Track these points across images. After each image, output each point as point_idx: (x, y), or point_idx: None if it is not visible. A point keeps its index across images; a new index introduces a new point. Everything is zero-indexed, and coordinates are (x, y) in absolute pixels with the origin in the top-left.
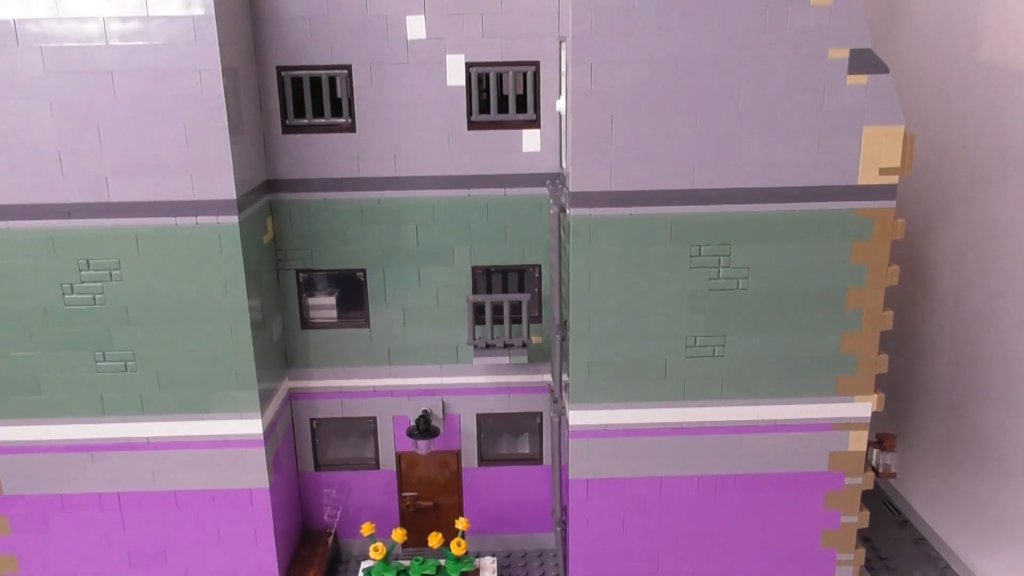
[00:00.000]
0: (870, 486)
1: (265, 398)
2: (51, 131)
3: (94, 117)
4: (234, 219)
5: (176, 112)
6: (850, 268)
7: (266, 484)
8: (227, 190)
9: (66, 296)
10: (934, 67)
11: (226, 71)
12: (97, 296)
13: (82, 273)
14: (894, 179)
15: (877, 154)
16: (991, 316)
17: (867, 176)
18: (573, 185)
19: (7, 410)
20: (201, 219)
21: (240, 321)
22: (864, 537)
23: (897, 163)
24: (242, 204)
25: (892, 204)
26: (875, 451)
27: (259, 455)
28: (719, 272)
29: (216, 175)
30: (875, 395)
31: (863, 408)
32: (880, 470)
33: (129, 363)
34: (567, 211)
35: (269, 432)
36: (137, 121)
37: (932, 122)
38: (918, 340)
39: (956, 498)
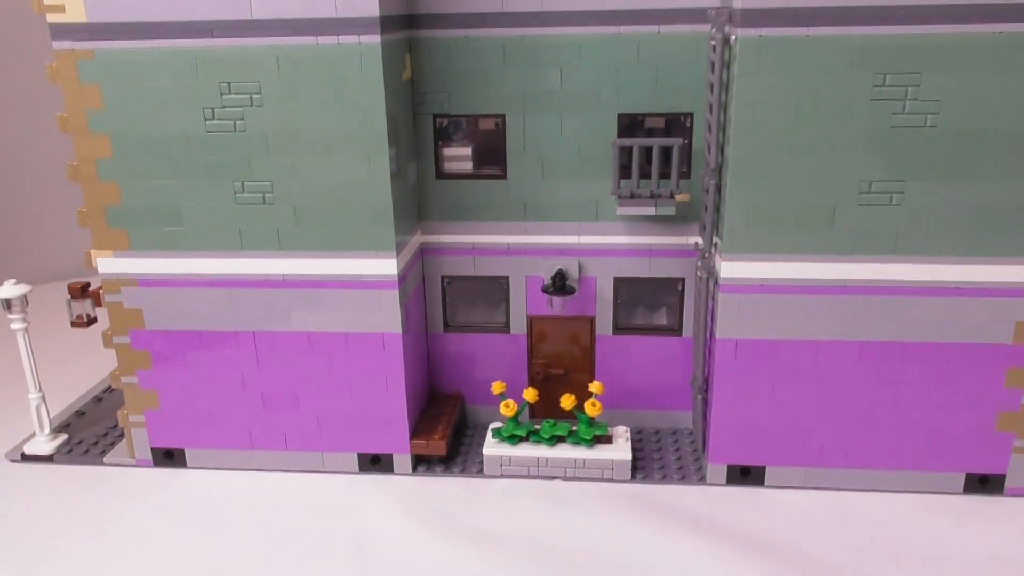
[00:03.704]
0: None
1: (399, 245)
2: None
3: None
4: (376, 38)
5: None
6: None
7: (399, 329)
8: (370, 6)
9: (207, 122)
10: None
11: None
12: (238, 122)
13: (223, 97)
14: None
15: None
16: None
17: None
18: (741, 0)
19: (151, 241)
20: (343, 38)
21: (379, 153)
22: None
23: None
24: (384, 25)
25: None
26: None
27: (393, 298)
28: (904, 106)
29: None
30: None
31: None
32: None
33: (267, 195)
34: (731, 36)
35: (402, 279)
36: None
37: None
38: None
39: None
